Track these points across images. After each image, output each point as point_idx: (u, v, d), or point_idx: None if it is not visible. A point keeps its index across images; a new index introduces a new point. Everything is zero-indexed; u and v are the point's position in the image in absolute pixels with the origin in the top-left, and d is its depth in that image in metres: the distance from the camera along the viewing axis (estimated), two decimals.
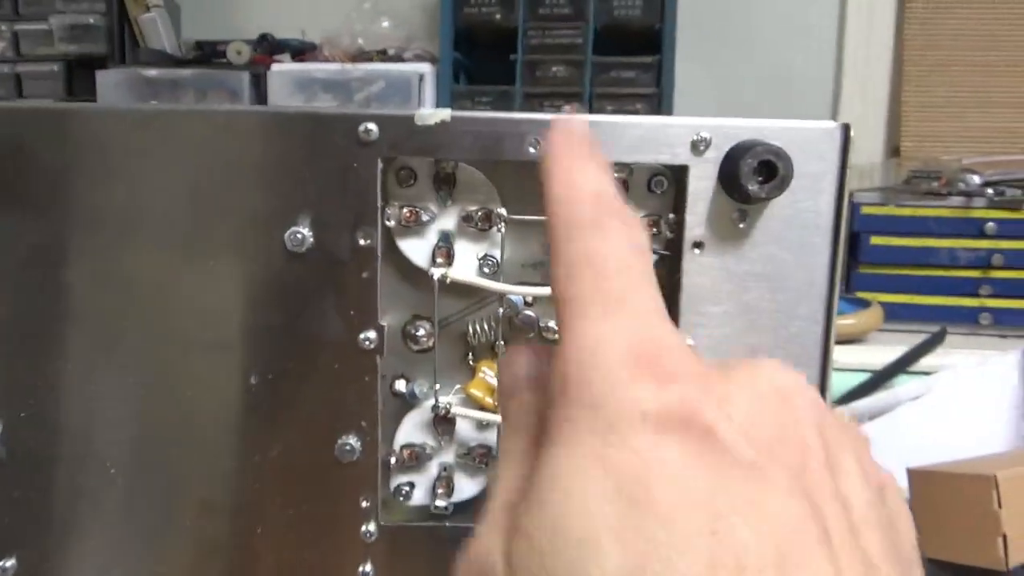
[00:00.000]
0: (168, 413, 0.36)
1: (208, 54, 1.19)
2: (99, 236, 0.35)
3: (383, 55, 1.15)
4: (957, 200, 1.06)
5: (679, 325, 0.35)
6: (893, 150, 1.24)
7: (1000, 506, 0.62)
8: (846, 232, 1.12)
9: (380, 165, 0.34)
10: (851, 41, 1.22)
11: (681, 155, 0.34)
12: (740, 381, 0.18)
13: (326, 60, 1.12)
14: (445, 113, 0.34)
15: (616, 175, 0.35)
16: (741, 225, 0.35)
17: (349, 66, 1.07)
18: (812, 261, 0.35)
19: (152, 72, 1.05)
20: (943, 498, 0.67)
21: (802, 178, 0.34)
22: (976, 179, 1.05)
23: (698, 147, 0.34)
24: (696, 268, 0.35)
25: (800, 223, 0.35)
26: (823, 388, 0.36)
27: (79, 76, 1.13)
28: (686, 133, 0.34)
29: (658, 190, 0.36)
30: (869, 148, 1.23)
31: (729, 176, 0.34)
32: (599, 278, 0.18)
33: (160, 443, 0.36)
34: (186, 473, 0.36)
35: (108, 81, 1.07)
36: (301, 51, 1.21)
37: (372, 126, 0.34)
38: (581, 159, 0.20)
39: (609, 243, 0.18)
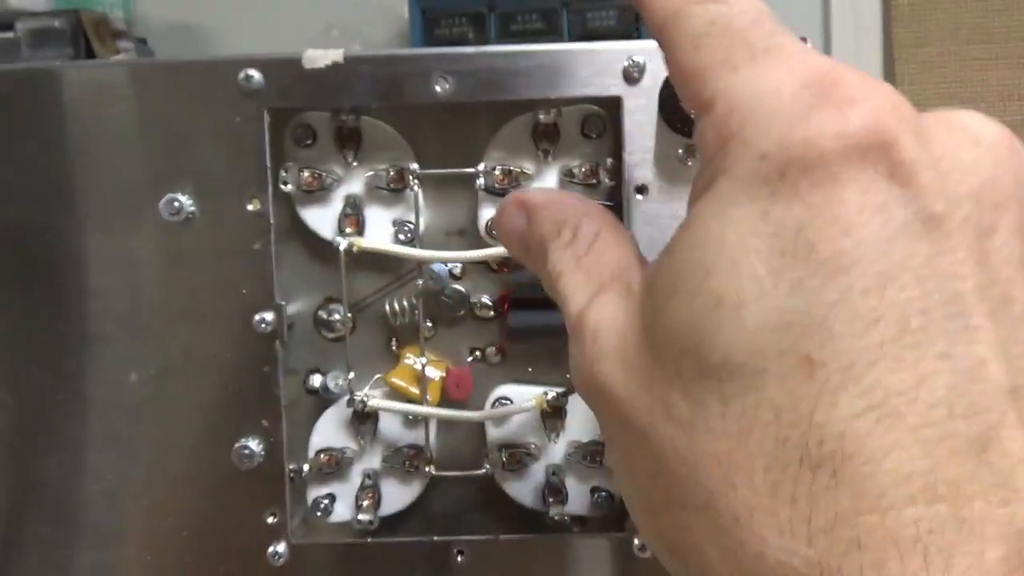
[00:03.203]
0: (38, 423, 0.31)
1: None
2: None
3: None
4: None
5: None
6: None
7: None
8: None
9: (267, 118, 0.30)
10: (837, 39, 1.19)
11: (613, 86, 0.30)
12: (944, 120, 0.15)
13: None
14: (337, 54, 0.30)
15: (542, 118, 0.31)
16: (690, 163, 0.30)
17: None
18: None
19: None
20: None
21: None
22: None
23: (631, 74, 0.29)
24: (642, 216, 0.30)
25: None
26: None
27: None
28: (615, 59, 0.29)
29: (593, 133, 0.32)
30: None
31: (670, 105, 0.29)
32: (732, 41, 0.16)
33: (31, 460, 0.31)
34: (63, 496, 0.31)
35: None
36: None
37: (254, 72, 0.29)
38: None
39: (731, 7, 0.16)
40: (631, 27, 1.09)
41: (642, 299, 0.16)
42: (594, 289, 0.18)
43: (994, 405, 0.13)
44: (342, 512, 0.33)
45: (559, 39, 1.06)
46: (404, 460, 0.33)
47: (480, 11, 1.06)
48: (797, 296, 0.14)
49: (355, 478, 0.33)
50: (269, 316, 0.30)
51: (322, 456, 0.32)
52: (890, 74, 1.19)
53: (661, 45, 0.17)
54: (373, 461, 0.33)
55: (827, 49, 1.20)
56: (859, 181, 0.14)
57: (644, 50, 0.29)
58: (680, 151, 0.30)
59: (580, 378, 0.17)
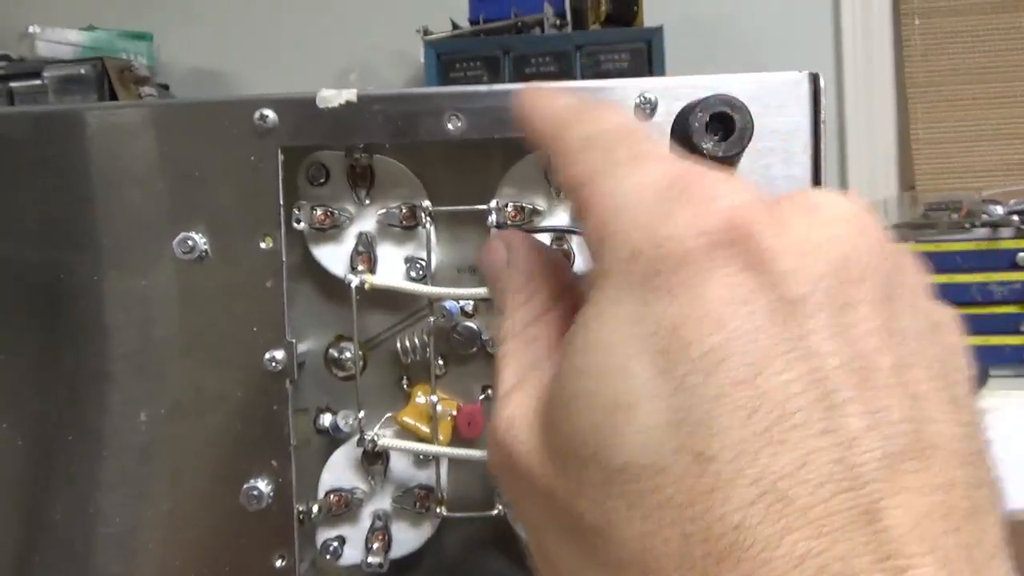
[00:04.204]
0: (45, 461, 0.31)
1: None
2: None
3: None
4: (982, 232, 0.99)
5: None
6: (907, 188, 1.19)
7: None
8: None
9: (281, 157, 0.30)
10: (849, 81, 1.19)
11: None
12: (797, 203, 0.16)
13: None
14: (350, 93, 0.30)
15: None
16: None
17: None
18: None
19: None
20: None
21: (769, 139, 0.29)
22: (1000, 209, 0.99)
23: (643, 110, 0.29)
24: None
25: (773, 192, 0.30)
26: None
27: None
28: (626, 96, 0.30)
29: None
30: (881, 186, 1.18)
31: (681, 139, 0.29)
32: (608, 148, 0.17)
33: (36, 499, 0.31)
34: (72, 536, 0.31)
35: None
36: None
37: (269, 112, 0.30)
38: (547, 91, 0.20)
39: (603, 122, 0.18)
40: (643, 70, 1.10)
41: (546, 403, 0.17)
42: (520, 376, 0.18)
43: (876, 476, 0.14)
44: (352, 555, 0.32)
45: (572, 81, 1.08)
46: (415, 501, 0.32)
47: (495, 54, 1.09)
48: (682, 394, 0.14)
49: (365, 520, 0.32)
50: (280, 354, 0.30)
51: (332, 497, 0.32)
52: (903, 112, 1.19)
53: (550, 163, 0.19)
54: (383, 502, 0.32)
55: (840, 91, 1.21)
56: (723, 276, 0.15)
57: (655, 87, 0.29)
58: None
59: (495, 462, 0.18)
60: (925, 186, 1.17)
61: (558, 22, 1.13)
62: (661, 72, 1.06)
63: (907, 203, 1.15)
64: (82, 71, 1.09)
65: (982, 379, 0.90)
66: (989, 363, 0.95)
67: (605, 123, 0.18)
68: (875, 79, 1.21)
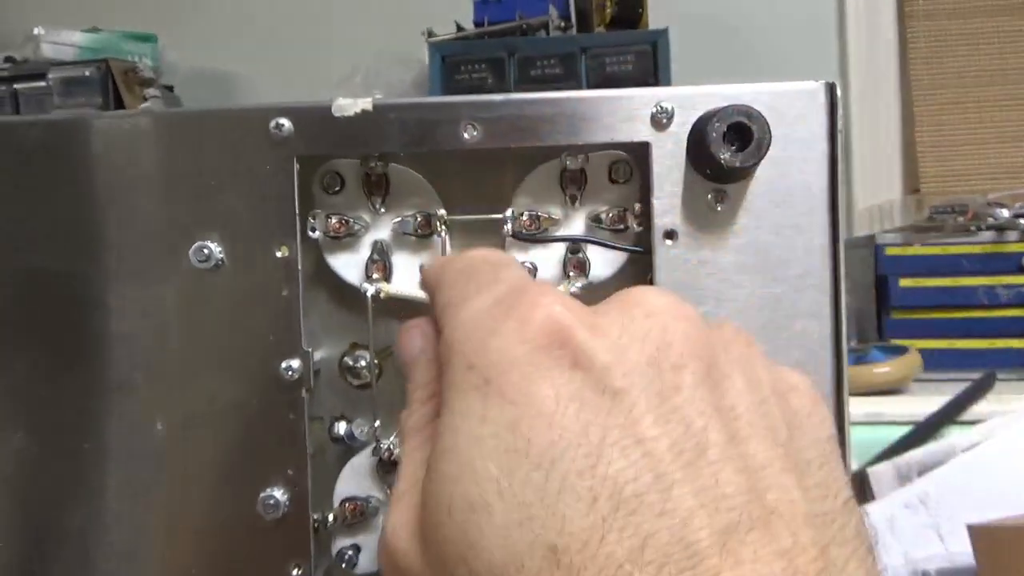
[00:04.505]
0: (61, 470, 0.31)
1: None
2: None
3: None
4: (988, 235, 0.99)
5: None
6: (911, 192, 1.19)
7: None
8: (871, 276, 1.04)
9: (296, 165, 0.30)
10: (855, 84, 1.19)
11: (641, 131, 0.30)
12: (610, 306, 0.18)
13: None
14: (366, 102, 0.30)
15: (569, 164, 0.31)
16: (719, 208, 0.30)
17: None
18: (809, 245, 0.30)
19: None
20: (1012, 556, 0.58)
21: (786, 148, 0.29)
22: (1005, 212, 0.99)
23: (659, 120, 0.29)
24: (670, 262, 0.30)
25: (790, 202, 0.30)
26: (839, 400, 0.30)
27: None
28: (643, 105, 0.30)
29: (620, 179, 0.31)
30: (886, 189, 1.18)
31: (698, 149, 0.29)
32: (466, 281, 0.20)
33: (51, 508, 0.31)
34: (84, 543, 0.31)
35: None
36: None
37: (284, 121, 0.30)
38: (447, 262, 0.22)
39: (464, 258, 0.21)
40: (649, 73, 1.10)
41: (419, 514, 0.18)
42: (411, 480, 0.19)
43: (711, 551, 0.15)
44: (367, 564, 0.32)
45: (577, 84, 1.08)
46: None
47: (499, 57, 1.09)
48: (529, 489, 0.15)
49: (380, 528, 0.32)
50: (296, 363, 0.30)
51: (347, 505, 0.32)
52: (908, 115, 1.19)
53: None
54: None
55: (845, 93, 1.21)
56: (550, 376, 0.16)
57: (672, 96, 0.29)
58: (709, 196, 0.30)
59: (383, 564, 0.19)
60: (930, 189, 1.16)
61: (563, 24, 1.13)
62: (667, 74, 1.06)
63: (912, 206, 1.15)
64: (87, 73, 1.09)
65: (988, 383, 0.90)
66: (995, 367, 0.95)
67: (470, 259, 0.21)
68: (880, 82, 1.21)
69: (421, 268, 0.24)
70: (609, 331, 0.17)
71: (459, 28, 1.14)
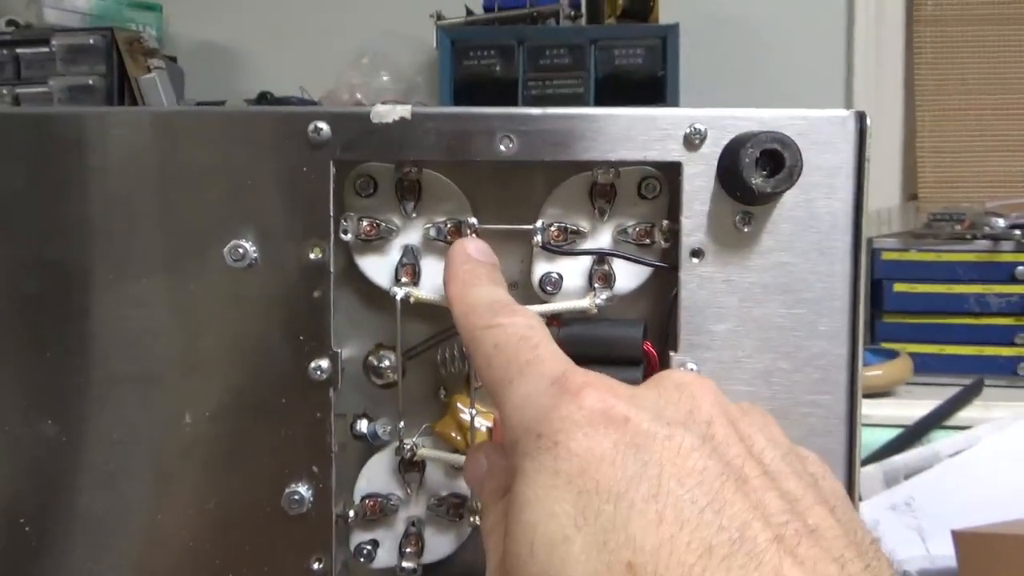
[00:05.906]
0: (89, 459, 0.31)
1: None
2: (8, 250, 0.31)
3: None
4: (983, 244, 1.00)
5: (678, 346, 0.31)
6: (910, 197, 1.20)
7: None
8: (866, 280, 1.06)
9: (333, 169, 0.30)
10: (860, 87, 1.20)
11: (673, 151, 0.30)
12: (648, 385, 0.22)
13: None
14: (405, 109, 0.30)
15: (599, 178, 0.31)
16: (746, 229, 0.30)
17: None
18: (831, 269, 0.30)
19: None
20: (994, 562, 0.60)
21: (814, 174, 0.30)
22: (1001, 222, 1.00)
23: (692, 141, 0.30)
24: (696, 280, 0.30)
25: (815, 226, 0.30)
26: (852, 417, 0.31)
27: None
28: (678, 125, 0.30)
29: (649, 195, 0.32)
30: (885, 194, 1.19)
31: (729, 172, 0.30)
32: (508, 359, 0.23)
33: (80, 495, 0.31)
34: (111, 529, 0.31)
35: None
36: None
37: (323, 125, 0.30)
38: (475, 277, 0.27)
39: (507, 331, 0.24)
40: (657, 67, 1.10)
41: (503, 562, 0.21)
42: (497, 559, 0.22)
43: (769, 552, 0.17)
44: (385, 558, 0.33)
45: (585, 74, 1.08)
46: (448, 509, 0.33)
47: (509, 44, 1.08)
48: (603, 519, 0.18)
49: (399, 525, 0.33)
50: (324, 363, 0.31)
51: (367, 502, 0.33)
52: (911, 121, 1.20)
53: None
54: (417, 508, 0.33)
55: (849, 100, 1.21)
56: (607, 433, 0.20)
57: (705, 117, 0.30)
58: (737, 217, 0.30)
59: None
60: (928, 195, 1.18)
61: (573, 14, 1.13)
62: (676, 69, 1.06)
63: (910, 212, 1.16)
64: (91, 41, 1.08)
65: (977, 389, 0.92)
66: (983, 373, 0.97)
67: (508, 328, 0.24)
68: (886, 85, 1.21)
69: (445, 274, 0.27)
70: (647, 399, 0.21)
71: (468, 12, 1.14)
